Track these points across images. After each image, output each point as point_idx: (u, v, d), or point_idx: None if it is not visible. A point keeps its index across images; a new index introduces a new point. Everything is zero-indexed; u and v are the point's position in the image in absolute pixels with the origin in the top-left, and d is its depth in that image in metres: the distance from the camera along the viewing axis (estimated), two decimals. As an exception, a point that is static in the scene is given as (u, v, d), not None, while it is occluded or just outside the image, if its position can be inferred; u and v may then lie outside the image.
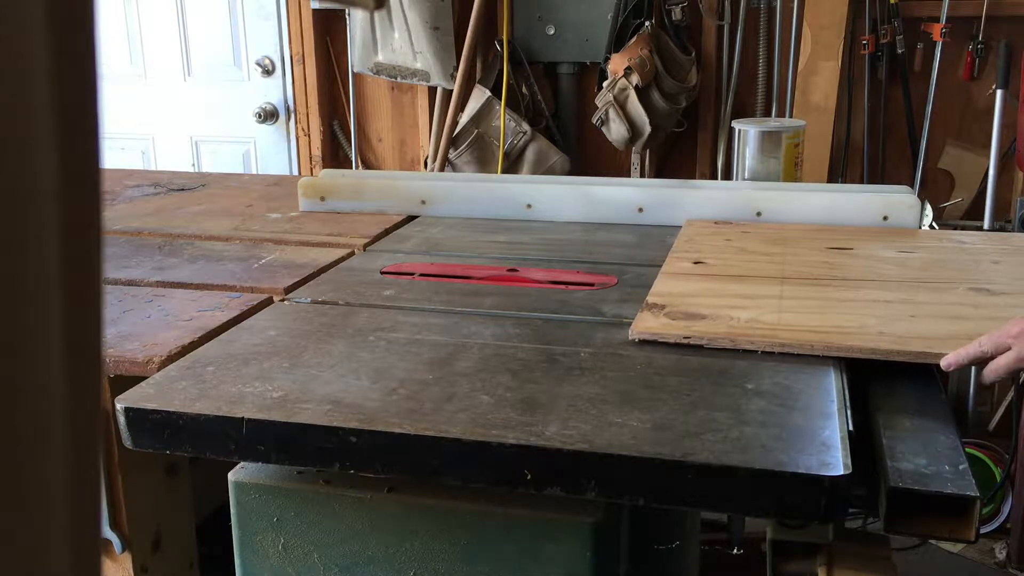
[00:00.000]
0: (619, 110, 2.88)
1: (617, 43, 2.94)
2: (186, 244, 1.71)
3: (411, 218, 1.87)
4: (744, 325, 1.20)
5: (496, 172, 3.03)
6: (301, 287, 1.44)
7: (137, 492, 1.27)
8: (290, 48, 3.37)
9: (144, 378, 1.10)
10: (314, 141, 3.41)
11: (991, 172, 2.77)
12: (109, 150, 3.52)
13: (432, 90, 3.21)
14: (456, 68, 3.08)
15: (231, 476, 1.11)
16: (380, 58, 3.16)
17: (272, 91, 3.45)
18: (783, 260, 1.50)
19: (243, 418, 0.99)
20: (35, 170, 0.30)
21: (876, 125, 3.00)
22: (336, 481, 1.08)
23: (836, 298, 1.31)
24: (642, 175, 3.15)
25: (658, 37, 2.93)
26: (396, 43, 3.12)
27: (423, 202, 1.88)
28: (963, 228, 2.79)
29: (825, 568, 1.15)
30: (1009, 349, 1.06)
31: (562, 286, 1.44)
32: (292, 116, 3.44)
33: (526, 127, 3.05)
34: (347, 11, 3.18)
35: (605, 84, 2.92)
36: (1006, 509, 2.67)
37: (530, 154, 3.08)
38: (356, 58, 3.21)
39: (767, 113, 2.99)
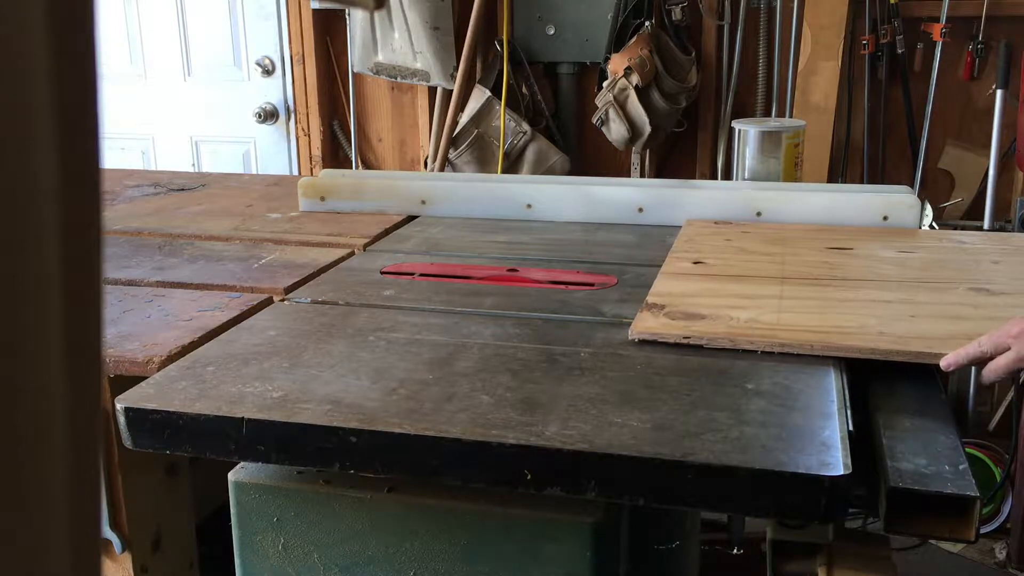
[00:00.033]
0: (619, 110, 2.88)
1: (617, 43, 2.94)
2: (186, 244, 1.71)
3: (411, 218, 1.87)
4: (744, 325, 1.20)
5: (496, 172, 3.03)
6: (301, 287, 1.44)
7: (137, 492, 1.27)
8: (290, 48, 3.37)
9: (144, 378, 1.10)
10: (314, 141, 3.41)
11: (991, 172, 2.77)
12: (109, 150, 3.52)
13: (432, 90, 3.21)
14: (456, 68, 3.08)
15: (231, 476, 1.11)
16: (380, 58, 3.16)
17: (272, 91, 3.45)
18: (783, 260, 1.50)
19: (243, 418, 0.99)
20: (35, 170, 0.30)
21: (876, 125, 3.00)
22: (336, 481, 1.08)
23: (836, 298, 1.31)
24: (642, 175, 3.15)
25: (658, 37, 2.93)
26: (396, 43, 3.12)
27: (423, 202, 1.88)
28: (963, 228, 2.79)
29: (825, 568, 1.15)
30: (1009, 349, 1.06)
31: (562, 286, 1.44)
32: (292, 116, 3.44)
33: (526, 127, 3.05)
34: (347, 11, 3.18)
35: (605, 84, 2.92)
36: (1006, 509, 2.67)
37: (530, 154, 3.08)
38: (356, 58, 3.21)
39: (767, 113, 2.99)
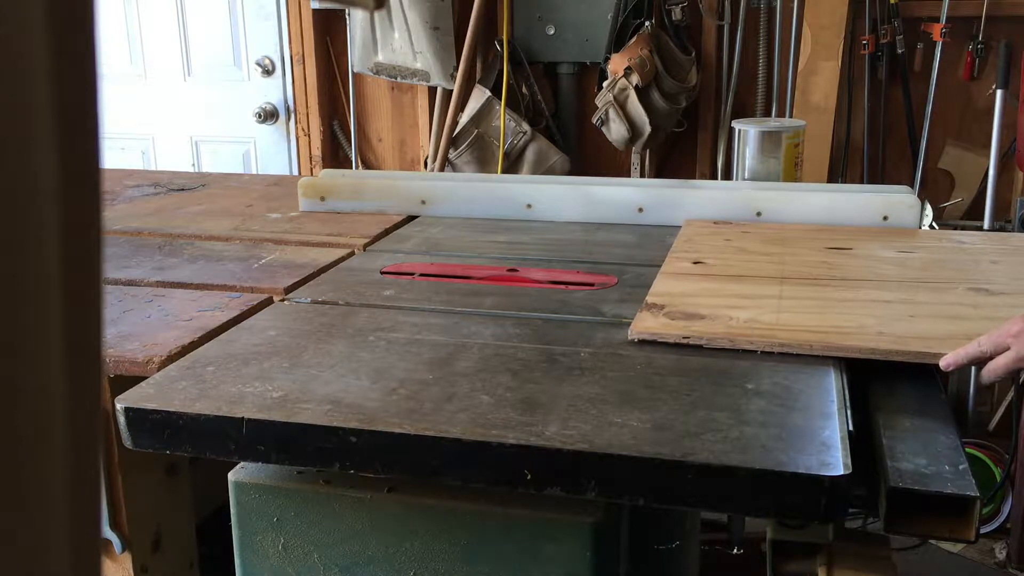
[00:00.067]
0: (619, 110, 2.88)
1: (617, 43, 2.94)
2: (186, 244, 1.71)
3: (411, 218, 1.87)
4: (743, 325, 1.20)
5: (496, 172, 3.03)
6: (301, 287, 1.44)
7: (137, 492, 1.27)
8: (290, 48, 3.37)
9: (144, 378, 1.10)
10: (314, 141, 3.41)
11: (991, 172, 2.77)
12: (109, 150, 3.52)
13: (432, 90, 3.21)
14: (456, 68, 3.08)
15: (231, 476, 1.11)
16: (380, 58, 3.16)
17: (272, 91, 3.45)
18: (782, 260, 1.50)
19: (243, 418, 0.99)
20: (35, 170, 0.30)
21: (876, 125, 3.00)
22: (336, 481, 1.08)
23: (835, 298, 1.31)
24: (642, 175, 3.15)
25: (658, 37, 2.93)
26: (396, 43, 3.12)
27: (423, 202, 1.88)
28: (963, 228, 2.79)
29: (825, 568, 1.15)
30: (1008, 349, 1.06)
31: (562, 286, 1.44)
32: (292, 116, 3.44)
33: (526, 127, 3.05)
34: (347, 11, 3.18)
35: (605, 84, 2.92)
36: (1006, 509, 2.67)
37: (530, 154, 3.08)
38: (356, 58, 3.21)
39: (767, 113, 2.99)
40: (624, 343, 1.19)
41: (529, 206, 1.84)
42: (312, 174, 2.98)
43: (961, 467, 0.93)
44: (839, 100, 2.90)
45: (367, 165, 3.43)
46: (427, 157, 3.22)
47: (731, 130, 2.44)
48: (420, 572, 1.07)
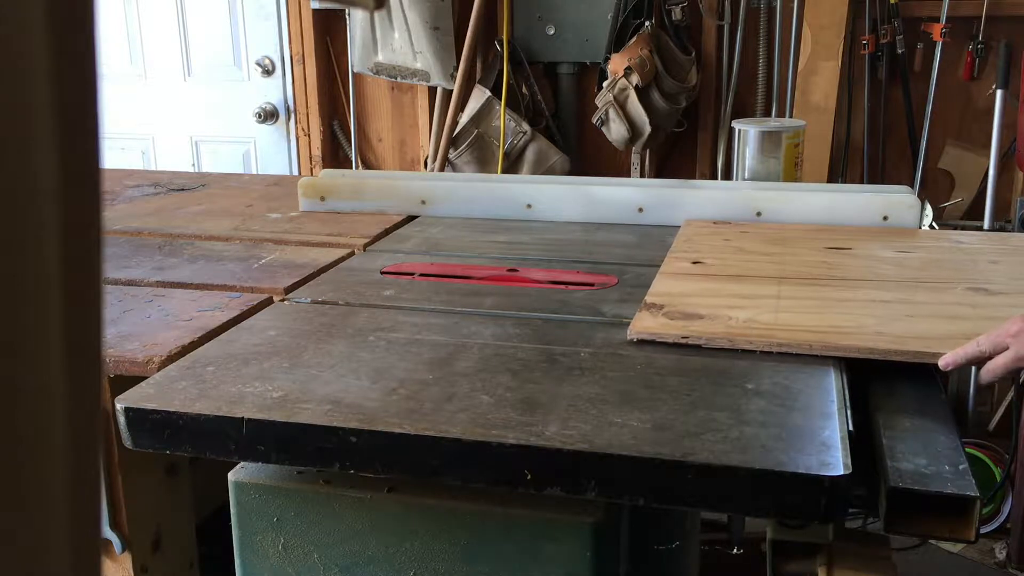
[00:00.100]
0: (619, 110, 2.88)
1: (617, 43, 2.94)
2: (186, 244, 1.71)
3: (411, 218, 1.87)
4: (742, 325, 1.20)
5: (496, 172, 3.03)
6: (301, 287, 1.44)
7: (137, 492, 1.27)
8: (290, 48, 3.37)
9: (144, 378, 1.10)
10: (314, 141, 3.41)
11: (991, 172, 2.77)
12: (109, 150, 3.52)
13: (432, 90, 3.21)
14: (456, 68, 3.08)
15: (231, 476, 1.11)
16: (380, 58, 3.16)
17: (272, 91, 3.45)
18: (781, 260, 1.50)
19: (243, 418, 0.99)
20: (35, 170, 0.30)
21: (876, 125, 3.00)
22: (336, 481, 1.08)
23: (834, 298, 1.31)
24: (642, 175, 3.15)
25: (658, 37, 2.93)
26: (396, 43, 3.12)
27: (423, 202, 1.88)
28: (963, 228, 2.79)
29: (825, 568, 1.15)
30: (1007, 348, 1.06)
31: (562, 286, 1.44)
32: (292, 116, 3.44)
33: (526, 127, 3.05)
34: (347, 11, 3.18)
35: (605, 84, 2.92)
36: (1006, 509, 2.67)
37: (530, 154, 3.08)
38: (356, 58, 3.21)
39: (767, 113, 2.99)
40: (624, 343, 1.19)
41: (529, 206, 1.84)
42: (312, 174, 2.98)
43: (961, 467, 0.93)
44: (839, 100, 2.90)
45: (367, 165, 3.43)
46: (427, 157, 3.22)
47: (731, 130, 2.44)
48: (420, 572, 1.07)
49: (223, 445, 1.01)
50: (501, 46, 3.06)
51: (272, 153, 3.51)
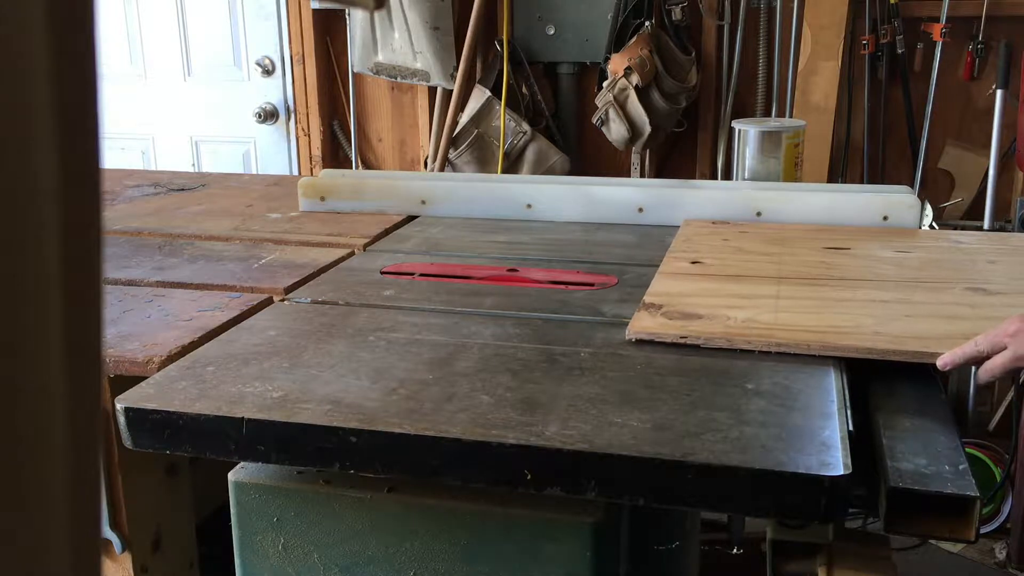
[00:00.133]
0: (619, 110, 2.88)
1: (617, 43, 2.94)
2: (186, 244, 1.71)
3: (411, 218, 1.87)
4: (741, 325, 1.20)
5: (496, 172, 3.03)
6: (301, 287, 1.44)
7: (137, 492, 1.27)
8: (290, 48, 3.37)
9: (144, 378, 1.10)
10: (314, 141, 3.41)
11: (991, 172, 2.77)
12: (109, 150, 3.52)
13: (432, 90, 3.21)
14: (456, 68, 3.08)
15: (231, 476, 1.11)
16: (380, 58, 3.16)
17: (272, 91, 3.45)
18: (780, 260, 1.50)
19: (243, 418, 0.99)
20: (35, 170, 0.30)
21: (876, 125, 3.00)
22: (336, 481, 1.08)
23: (833, 298, 1.31)
24: (642, 175, 3.15)
25: (658, 37, 2.93)
26: (396, 43, 3.12)
27: (423, 202, 1.88)
28: (963, 228, 2.79)
29: (825, 568, 1.15)
30: (1005, 348, 1.06)
31: (562, 286, 1.44)
32: (292, 116, 3.44)
33: (526, 127, 3.05)
34: (347, 11, 3.18)
35: (605, 84, 2.92)
36: (1006, 509, 2.67)
37: (530, 154, 3.08)
38: (356, 58, 3.21)
39: (767, 113, 2.99)
40: (624, 343, 1.19)
41: (529, 206, 1.84)
42: (312, 174, 2.98)
43: (961, 467, 0.93)
44: (839, 100, 2.90)
45: (367, 165, 3.43)
46: (427, 157, 3.22)
47: (731, 130, 2.44)
48: (420, 572, 1.07)
49: (223, 445, 1.01)
50: (501, 46, 3.06)
51: (272, 153, 3.51)
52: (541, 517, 1.02)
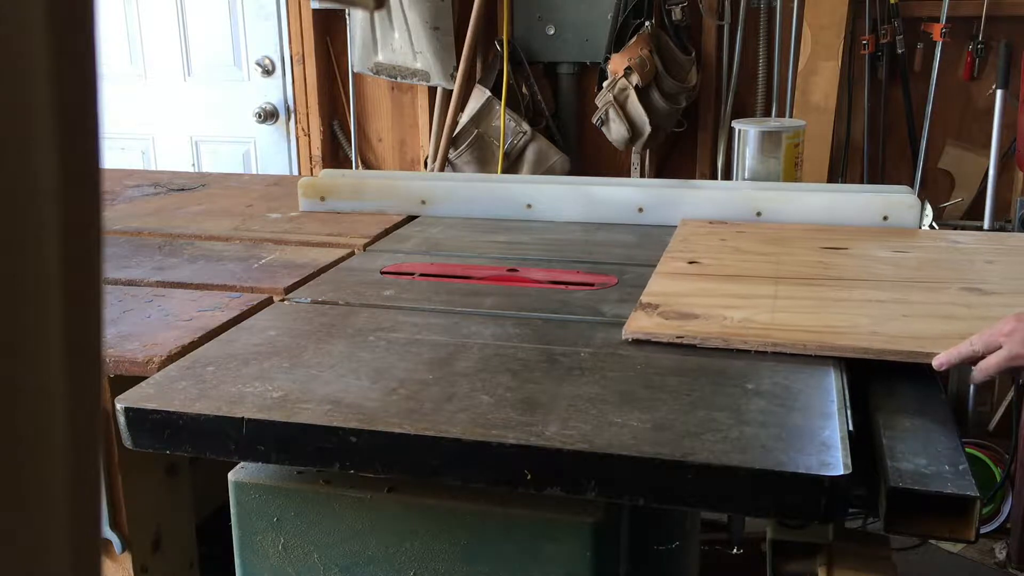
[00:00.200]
0: (619, 110, 2.88)
1: (617, 43, 2.94)
2: (186, 244, 1.71)
3: (411, 218, 1.87)
4: (737, 325, 1.20)
5: (496, 172, 3.03)
6: (301, 287, 1.44)
7: (137, 492, 1.27)
8: (290, 48, 3.37)
9: (144, 378, 1.10)
10: (314, 141, 3.41)
11: (991, 172, 2.77)
12: (109, 150, 3.52)
13: (432, 90, 3.21)
14: (456, 68, 3.08)
15: (231, 476, 1.11)
16: (380, 58, 3.16)
17: (272, 91, 3.45)
18: (778, 260, 1.50)
19: (243, 418, 0.99)
20: (35, 170, 0.30)
21: (876, 125, 3.00)
22: (336, 481, 1.08)
23: (830, 298, 1.31)
24: (642, 175, 3.15)
25: (658, 37, 2.93)
26: (396, 43, 3.12)
27: (423, 202, 1.88)
28: (963, 228, 2.79)
29: (825, 568, 1.15)
30: (1000, 348, 1.06)
31: (562, 286, 1.44)
32: (292, 116, 3.44)
33: (526, 127, 3.05)
34: (347, 11, 3.18)
35: (605, 84, 2.92)
36: (1006, 509, 2.67)
37: (530, 154, 3.08)
38: (356, 58, 3.21)
39: (767, 113, 2.99)
40: (624, 343, 1.19)
41: (529, 206, 1.84)
42: (312, 174, 2.98)
43: (961, 467, 0.93)
44: (839, 100, 2.90)
45: (367, 165, 3.43)
46: (427, 157, 3.22)
47: (731, 130, 2.44)
48: (420, 572, 1.07)
49: (223, 445, 1.01)
50: (501, 46, 3.06)
51: (272, 153, 3.51)
52: (541, 517, 1.02)
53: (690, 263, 1.48)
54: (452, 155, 3.11)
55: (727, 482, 0.90)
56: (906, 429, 1.02)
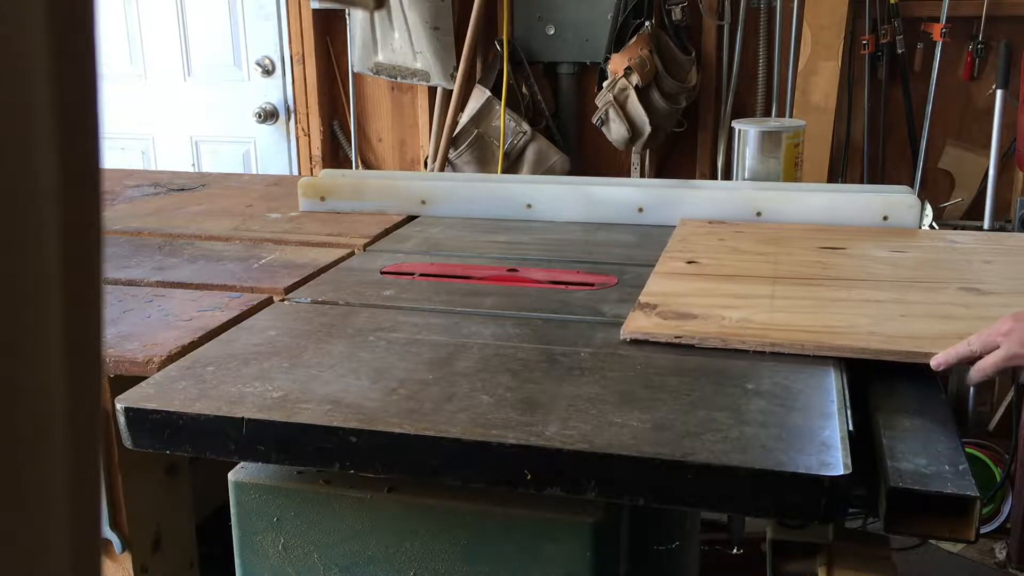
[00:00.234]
0: (619, 110, 2.88)
1: (617, 43, 2.94)
2: (186, 244, 1.71)
3: (411, 218, 1.87)
4: (735, 325, 1.20)
5: (496, 172, 3.03)
6: (301, 287, 1.44)
7: (137, 492, 1.27)
8: (290, 48, 3.37)
9: (144, 378, 1.10)
10: (314, 141, 3.41)
11: (991, 172, 2.77)
12: (109, 150, 3.52)
13: (432, 90, 3.21)
14: (456, 68, 3.08)
15: (231, 476, 1.11)
16: (380, 58, 3.16)
17: (272, 91, 3.45)
18: (776, 260, 1.50)
19: (243, 418, 0.99)
20: (35, 170, 0.30)
21: (876, 125, 3.00)
22: (336, 481, 1.08)
23: (828, 298, 1.31)
24: (642, 175, 3.15)
25: (658, 37, 2.93)
26: (396, 43, 3.12)
27: (423, 202, 1.88)
28: (963, 228, 2.79)
29: (825, 568, 1.15)
30: (998, 347, 1.06)
31: (562, 286, 1.44)
32: (292, 116, 3.45)
33: (526, 127, 3.05)
34: (347, 11, 3.18)
35: (605, 84, 2.92)
36: (1006, 509, 2.67)
37: (530, 154, 3.08)
38: (356, 58, 3.21)
39: (767, 113, 2.99)
40: (624, 343, 1.19)
41: (529, 206, 1.84)
42: (312, 174, 2.98)
43: (961, 467, 0.93)
44: (839, 100, 2.90)
45: (367, 165, 3.43)
46: (427, 157, 3.22)
47: (731, 130, 2.44)
48: (420, 572, 1.07)
49: (223, 445, 1.01)
50: (501, 46, 3.06)
51: (272, 153, 3.51)
52: (541, 517, 1.02)
53: (688, 263, 1.48)
54: (452, 155, 3.11)
55: (727, 482, 0.90)
56: (906, 429, 1.02)
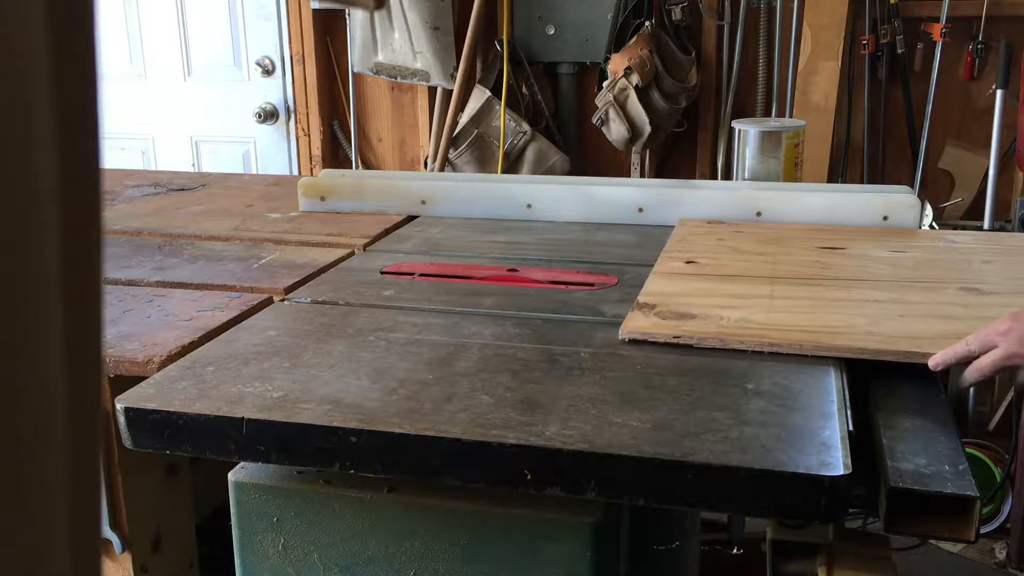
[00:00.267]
0: (619, 110, 2.88)
1: (617, 43, 2.94)
2: (186, 244, 1.71)
3: (411, 218, 1.87)
4: (734, 325, 1.20)
5: (496, 172, 3.03)
6: (301, 287, 1.44)
7: (137, 492, 1.27)
8: (290, 48, 3.37)
9: (144, 378, 1.10)
10: (314, 141, 3.41)
11: (991, 172, 2.77)
12: (109, 150, 3.52)
13: (432, 90, 3.21)
14: (456, 68, 3.08)
15: (231, 476, 1.11)
16: (380, 58, 3.16)
17: (272, 91, 3.45)
18: (775, 260, 1.50)
19: (243, 418, 0.99)
20: (35, 170, 0.30)
21: (876, 125, 3.00)
22: (336, 481, 1.08)
23: (827, 298, 1.31)
24: (642, 175, 3.15)
25: (658, 37, 2.93)
26: (396, 43, 3.12)
27: (423, 202, 1.88)
28: (963, 228, 2.79)
29: (825, 568, 1.15)
30: (996, 347, 1.06)
31: (562, 286, 1.44)
32: (292, 116, 3.45)
33: (526, 127, 3.05)
34: (347, 11, 3.18)
35: (605, 84, 2.92)
36: (1006, 509, 2.67)
37: (530, 154, 3.08)
38: (356, 58, 3.21)
39: (767, 113, 2.99)
40: (624, 343, 1.19)
41: (529, 206, 1.84)
42: (312, 174, 2.98)
43: (961, 467, 0.93)
44: (839, 100, 2.90)
45: (367, 165, 3.43)
46: (427, 157, 3.22)
47: (731, 130, 2.44)
48: (420, 572, 1.07)
49: (223, 445, 1.01)
50: (501, 46, 3.06)
51: (272, 153, 3.51)
52: (541, 517, 1.02)
53: (687, 263, 1.48)
54: (452, 155, 3.11)
55: (727, 482, 0.90)
56: (906, 429, 1.02)
